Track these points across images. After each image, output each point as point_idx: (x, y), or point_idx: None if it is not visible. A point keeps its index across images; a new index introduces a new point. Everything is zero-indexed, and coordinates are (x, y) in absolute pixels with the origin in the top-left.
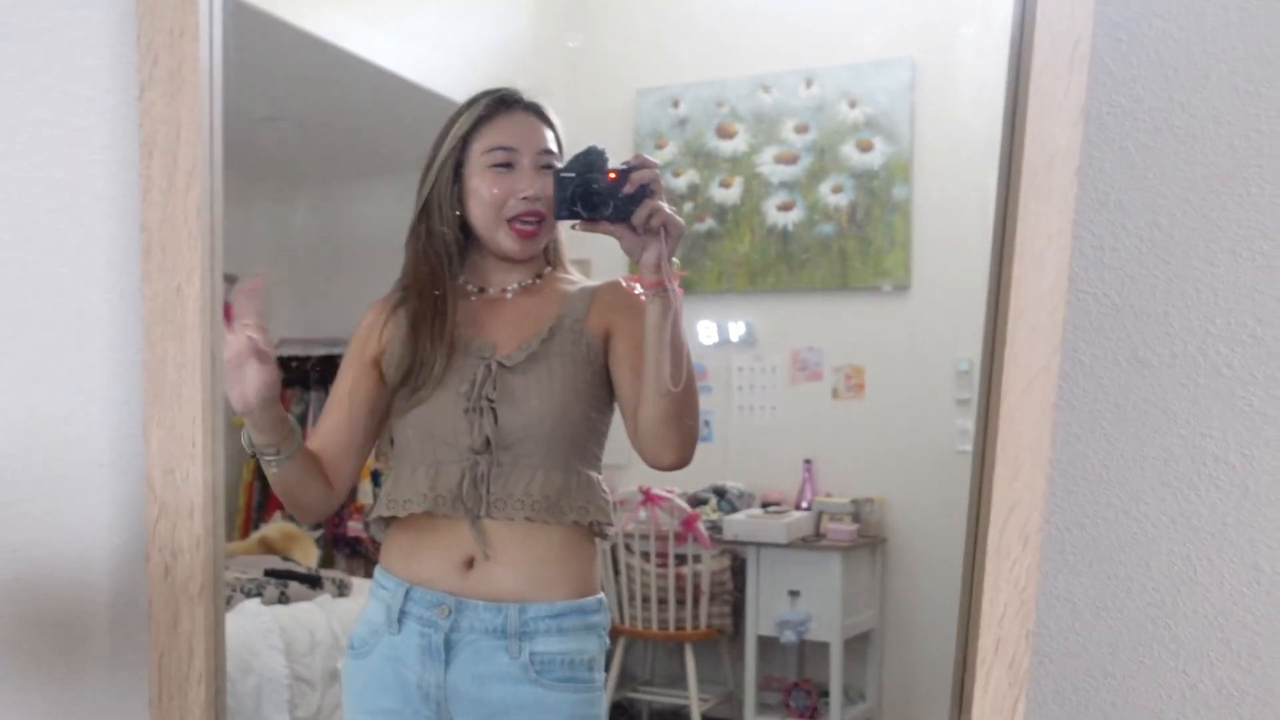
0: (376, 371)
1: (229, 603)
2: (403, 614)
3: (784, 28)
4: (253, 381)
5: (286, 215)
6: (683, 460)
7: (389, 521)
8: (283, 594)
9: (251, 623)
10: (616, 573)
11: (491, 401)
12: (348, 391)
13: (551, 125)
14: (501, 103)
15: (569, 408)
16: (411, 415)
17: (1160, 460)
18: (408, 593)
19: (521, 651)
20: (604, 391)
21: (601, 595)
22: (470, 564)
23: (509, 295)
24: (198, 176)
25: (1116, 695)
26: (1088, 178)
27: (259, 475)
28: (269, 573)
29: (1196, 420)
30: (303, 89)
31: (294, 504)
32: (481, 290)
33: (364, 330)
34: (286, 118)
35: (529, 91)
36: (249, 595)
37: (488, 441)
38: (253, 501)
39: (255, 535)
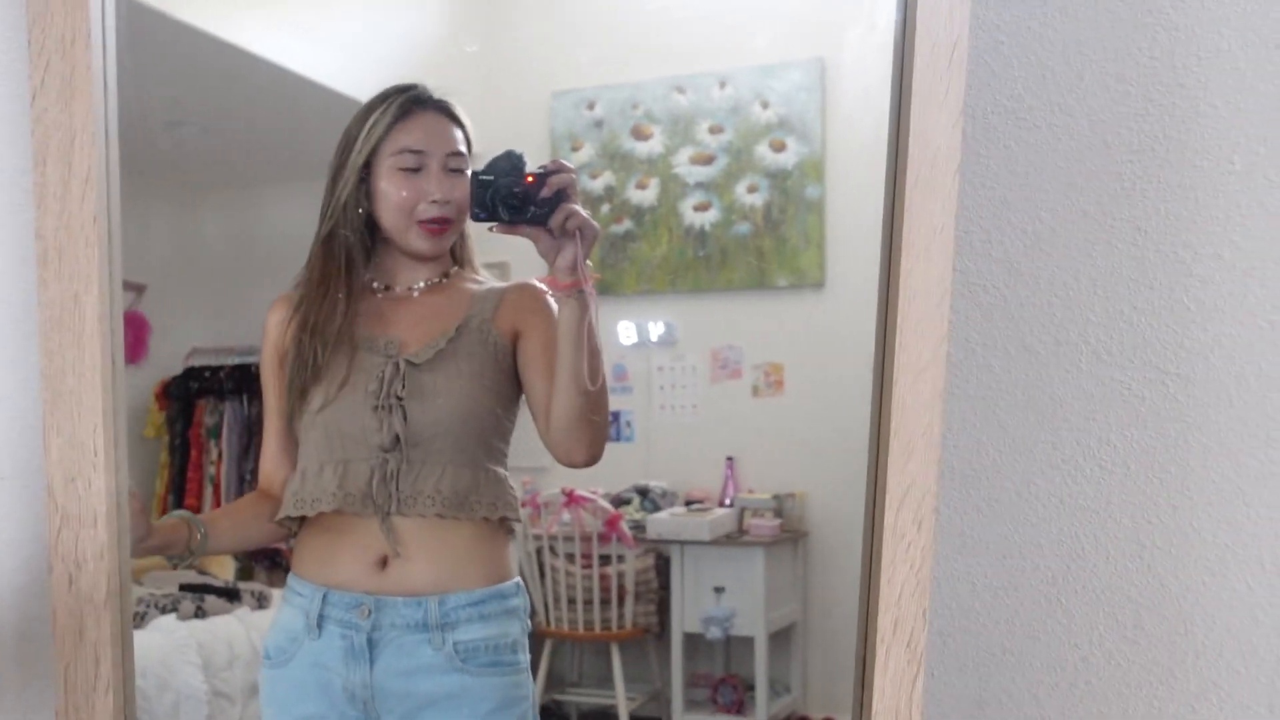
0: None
1: (143, 619)
2: (322, 618)
3: (697, 29)
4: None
5: (196, 222)
6: (594, 457)
7: (299, 524)
8: (199, 608)
9: (167, 639)
10: (542, 575)
11: (401, 399)
12: (276, 407)
13: (460, 124)
14: (412, 103)
15: (477, 405)
16: (319, 415)
17: (1049, 444)
18: (325, 597)
19: (445, 642)
20: (511, 390)
21: (518, 579)
22: (384, 562)
23: (415, 293)
24: (94, 183)
25: (1015, 670)
26: (975, 175)
27: (173, 489)
28: (184, 587)
29: (1081, 404)
30: (207, 93)
31: (260, 545)
32: (388, 288)
33: (272, 333)
34: (192, 123)
35: (438, 90)
36: (164, 611)
37: (397, 439)
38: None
39: None
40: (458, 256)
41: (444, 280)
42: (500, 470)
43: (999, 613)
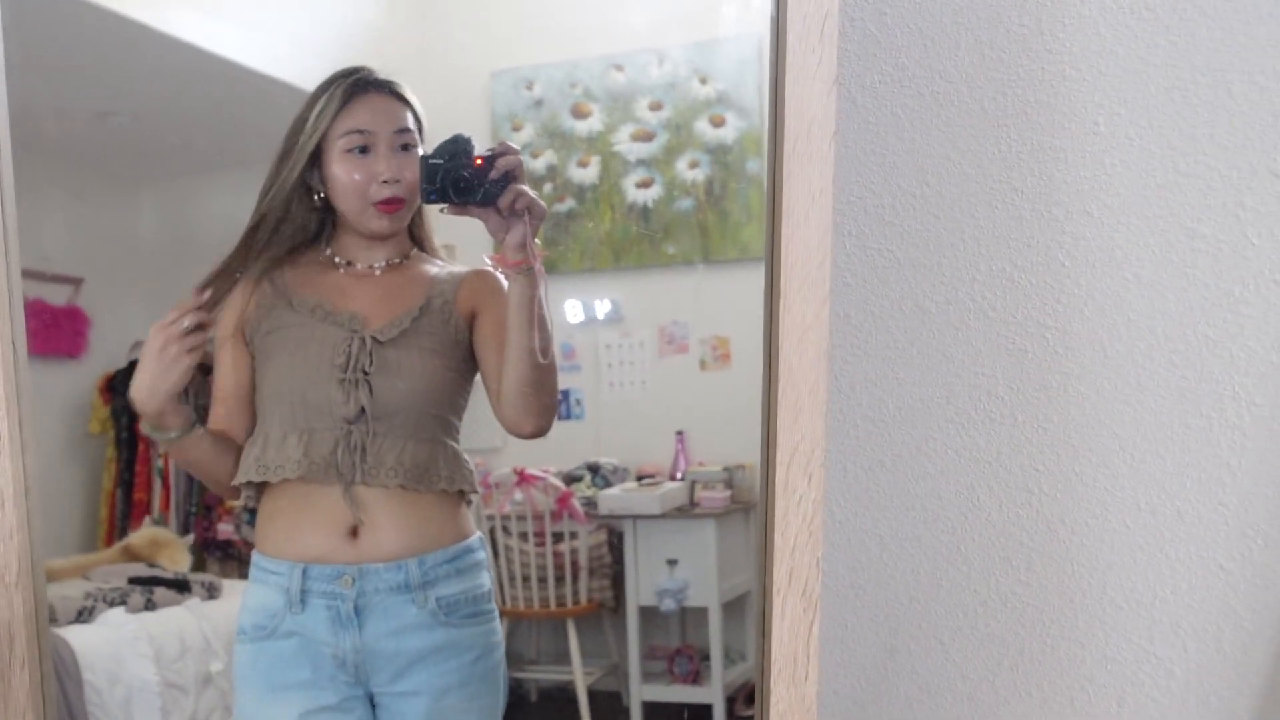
0: (244, 342)
1: (92, 614)
2: (304, 593)
3: (631, 5)
4: (178, 375)
5: (133, 214)
6: (541, 428)
7: (259, 496)
8: (149, 600)
9: (116, 632)
10: (496, 555)
11: (367, 374)
12: (230, 371)
13: (407, 102)
14: (358, 85)
15: (438, 383)
16: (283, 384)
17: (943, 399)
18: (305, 571)
19: (428, 600)
20: (469, 369)
21: (479, 534)
22: (355, 532)
23: (377, 271)
24: None
25: (921, 618)
26: (863, 141)
27: (120, 484)
28: (133, 580)
29: (970, 360)
30: (139, 82)
31: (208, 479)
32: (349, 264)
33: (227, 309)
34: (123, 112)
35: (382, 70)
36: (112, 604)
37: (363, 411)
38: (115, 511)
39: (119, 544)
40: (416, 237)
41: (404, 261)
42: (456, 445)
43: (905, 563)
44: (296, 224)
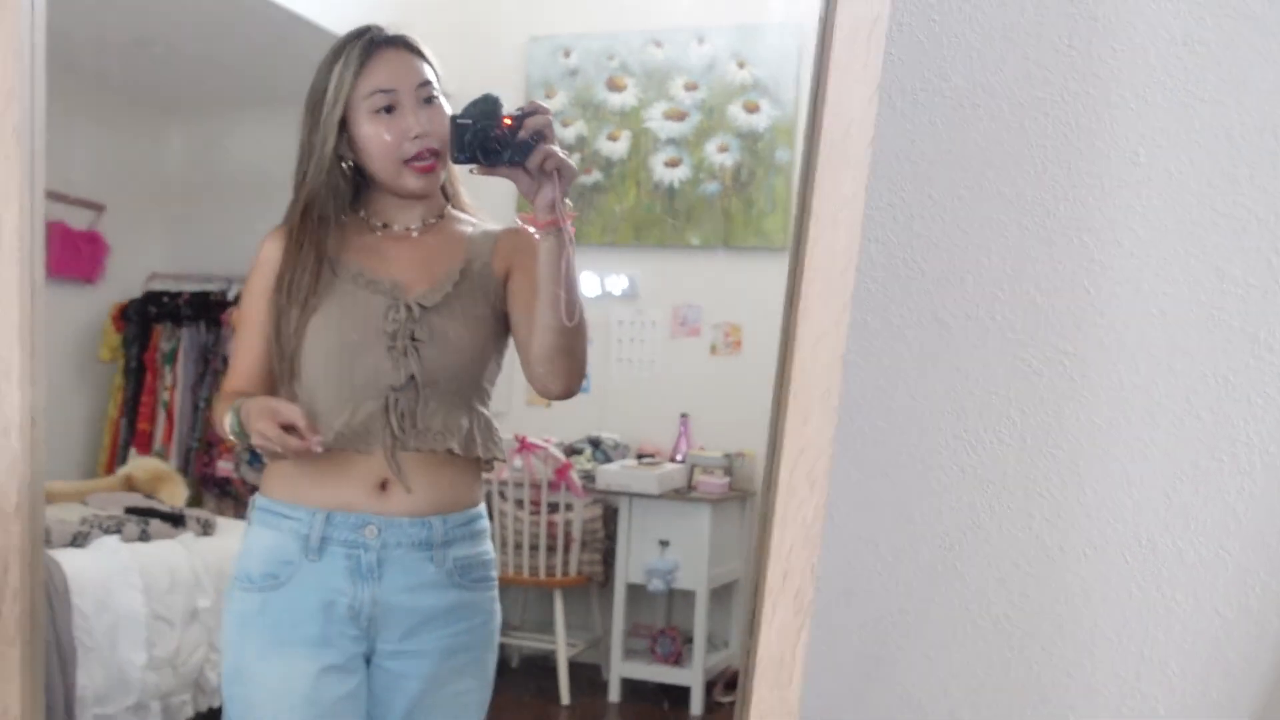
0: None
1: (86, 539)
2: (324, 540)
3: None
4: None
5: (160, 145)
6: (569, 389)
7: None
8: (143, 532)
9: (109, 560)
10: (490, 519)
11: (416, 342)
12: (258, 326)
13: (423, 55)
14: (371, 44)
15: (481, 349)
16: (330, 353)
17: (953, 415)
18: (328, 518)
19: (446, 559)
20: (504, 332)
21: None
22: (384, 485)
23: (414, 233)
24: (16, 97)
25: (910, 630)
26: (899, 149)
27: (126, 413)
28: (130, 510)
29: (985, 379)
30: (178, 12)
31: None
32: (385, 226)
33: (264, 264)
34: (160, 42)
35: (393, 25)
36: (107, 532)
37: (412, 378)
38: (118, 439)
39: (120, 472)
40: (448, 194)
41: (439, 220)
42: (488, 413)
43: (899, 575)
44: (340, 197)
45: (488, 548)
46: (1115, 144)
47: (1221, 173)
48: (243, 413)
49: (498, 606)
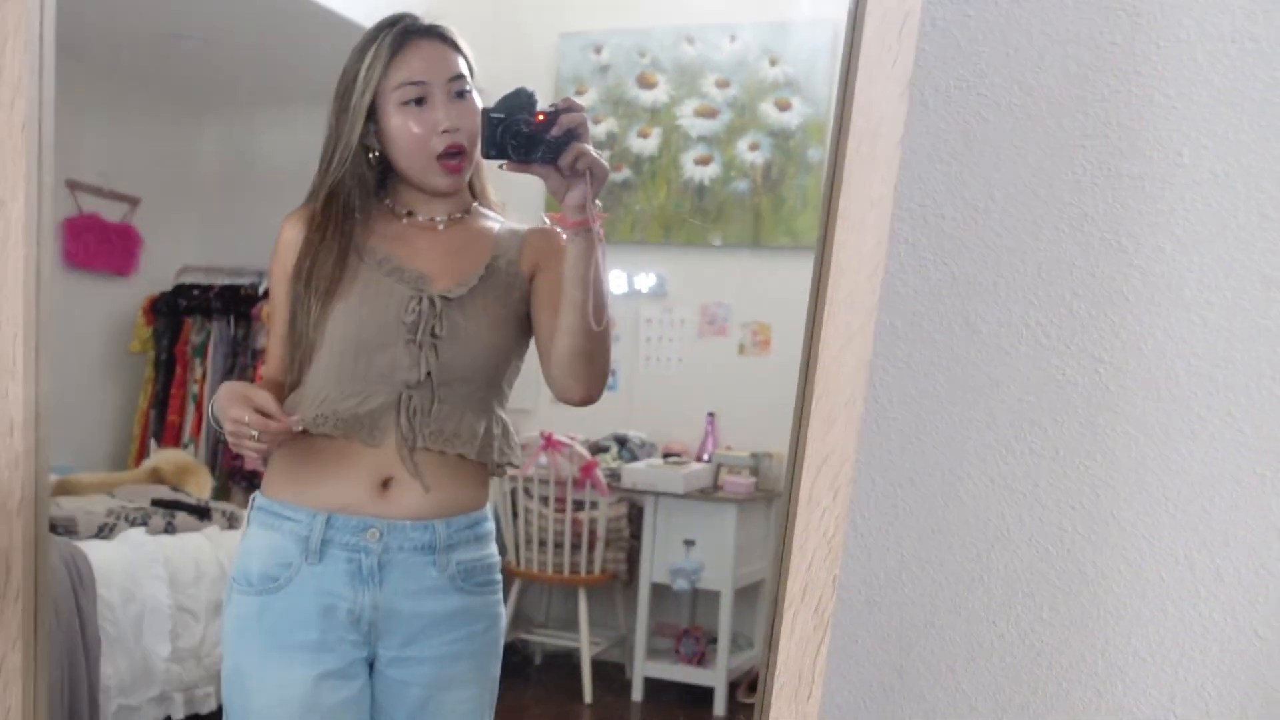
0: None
1: (112, 531)
2: (324, 543)
3: None
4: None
5: (194, 139)
6: (590, 395)
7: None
8: (169, 524)
9: (135, 551)
10: (515, 516)
11: (437, 337)
12: (284, 319)
13: (458, 47)
14: (405, 34)
15: (501, 348)
16: (348, 339)
17: (983, 423)
18: (329, 520)
19: (449, 563)
20: (526, 333)
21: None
22: (386, 485)
23: (440, 226)
24: (23, 90)
25: (935, 643)
26: (931, 148)
27: (156, 404)
28: (156, 502)
29: (1017, 386)
30: (213, 6)
31: None
32: (410, 214)
33: (285, 247)
34: (194, 36)
35: (428, 15)
36: (134, 524)
37: (428, 375)
38: (147, 430)
39: (146, 464)
40: (475, 189)
41: (465, 215)
42: (505, 416)
43: (923, 585)
44: (366, 186)
45: (492, 551)
46: (1158, 144)
47: (1270, 175)
48: (215, 403)
49: (502, 611)
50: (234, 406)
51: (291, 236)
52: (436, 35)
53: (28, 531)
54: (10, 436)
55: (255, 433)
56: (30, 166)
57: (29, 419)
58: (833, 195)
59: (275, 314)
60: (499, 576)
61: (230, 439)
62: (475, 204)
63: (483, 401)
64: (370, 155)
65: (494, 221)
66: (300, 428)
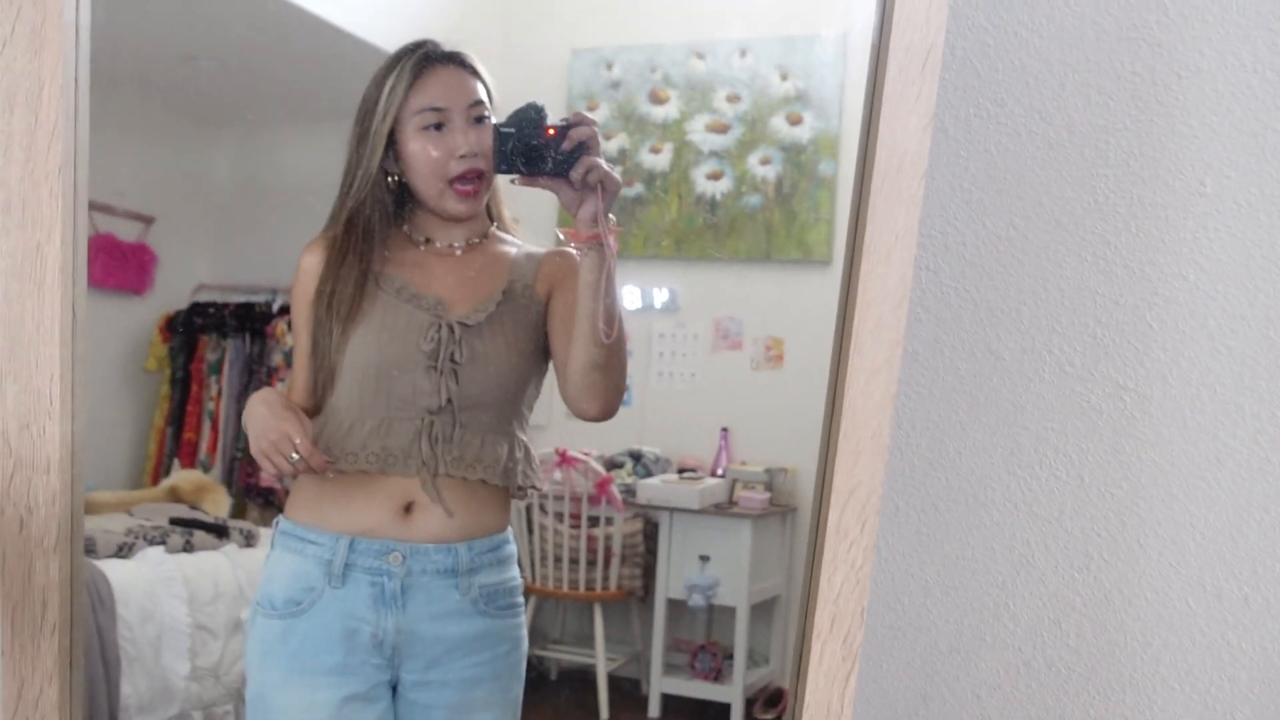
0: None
1: (131, 550)
2: (347, 567)
3: None
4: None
5: (209, 159)
6: (606, 410)
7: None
8: (187, 543)
9: (154, 570)
10: (530, 532)
11: (457, 363)
12: (307, 347)
13: (477, 74)
14: (425, 60)
15: (521, 372)
16: (368, 366)
17: (1007, 449)
18: (351, 544)
19: (471, 586)
20: (545, 356)
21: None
22: (409, 509)
23: (457, 251)
24: (60, 134)
25: (960, 669)
26: (953, 176)
27: (172, 422)
28: (174, 521)
29: (1040, 413)
30: (226, 28)
31: None
32: (428, 241)
33: (304, 275)
34: (208, 57)
35: (449, 42)
36: (152, 543)
37: (449, 401)
38: (164, 448)
39: (165, 483)
40: (492, 212)
41: (482, 240)
42: (527, 439)
43: (949, 612)
44: (384, 210)
45: (514, 574)
46: (1180, 173)
47: None
48: (250, 412)
49: (524, 634)
50: (283, 423)
51: (311, 264)
52: (456, 62)
53: (64, 568)
54: (47, 474)
55: (296, 456)
56: (66, 209)
57: (65, 457)
58: (858, 229)
59: (297, 342)
60: (521, 599)
61: (260, 453)
62: (493, 228)
63: (504, 425)
64: (389, 179)
65: (511, 246)
66: (332, 475)
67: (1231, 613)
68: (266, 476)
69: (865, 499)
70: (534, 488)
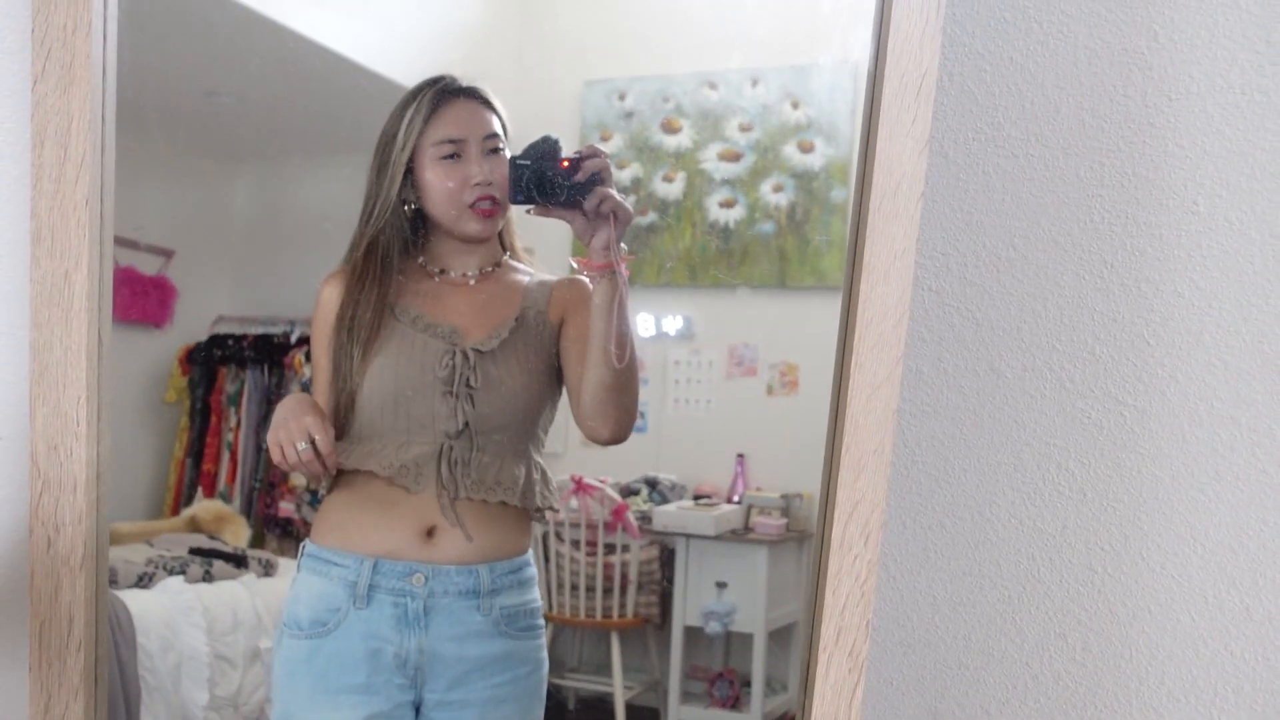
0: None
1: (151, 580)
2: (371, 588)
3: (731, 26)
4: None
5: (228, 192)
6: (618, 435)
7: (332, 483)
8: (207, 572)
9: (173, 600)
10: (546, 560)
11: (471, 389)
12: (327, 378)
13: (493, 107)
14: (443, 94)
15: (536, 396)
16: (387, 393)
17: (1010, 466)
18: (375, 566)
19: (493, 608)
20: (559, 381)
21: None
22: (431, 532)
23: (471, 280)
24: (88, 168)
25: (969, 685)
26: (952, 197)
27: (191, 453)
28: (194, 551)
29: (1043, 430)
30: (245, 65)
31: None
32: (443, 272)
33: (324, 306)
34: (228, 92)
35: (466, 77)
36: (172, 573)
37: (466, 425)
38: (183, 479)
39: (185, 513)
40: (505, 242)
41: (495, 269)
42: (543, 461)
43: (956, 627)
44: (402, 238)
45: (534, 596)
46: (1173, 193)
47: None
48: (283, 406)
49: (545, 656)
50: (307, 417)
51: (330, 295)
52: (473, 96)
53: (89, 586)
54: (74, 494)
55: (304, 446)
56: (93, 239)
57: (91, 478)
58: (857, 248)
59: (317, 372)
60: (542, 621)
61: (275, 441)
62: (505, 257)
63: (521, 448)
64: (406, 207)
65: (523, 274)
66: (335, 471)
67: (1234, 623)
68: (285, 507)
69: (869, 513)
70: (552, 508)
